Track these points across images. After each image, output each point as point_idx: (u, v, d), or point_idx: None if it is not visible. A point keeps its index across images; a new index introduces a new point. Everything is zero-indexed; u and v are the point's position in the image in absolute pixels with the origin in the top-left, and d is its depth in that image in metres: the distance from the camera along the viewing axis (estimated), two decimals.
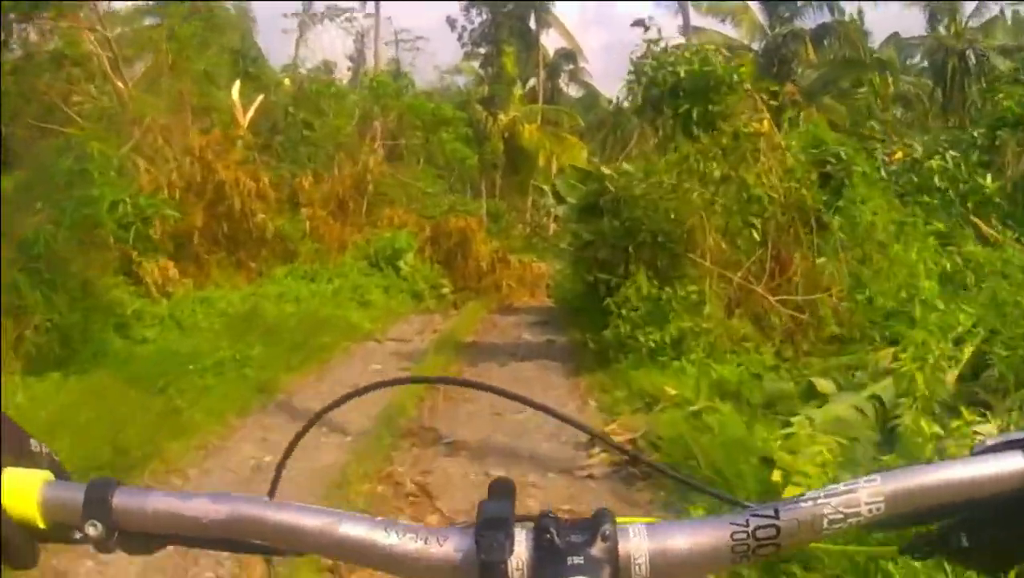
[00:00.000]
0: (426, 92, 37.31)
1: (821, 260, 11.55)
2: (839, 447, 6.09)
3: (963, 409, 6.27)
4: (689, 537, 0.76)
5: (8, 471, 0.80)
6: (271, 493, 0.87)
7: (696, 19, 40.12)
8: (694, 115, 11.65)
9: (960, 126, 24.88)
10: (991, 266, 10.95)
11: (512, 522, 0.76)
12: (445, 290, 18.26)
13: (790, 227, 11.54)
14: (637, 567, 0.75)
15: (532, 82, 50.87)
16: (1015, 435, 0.78)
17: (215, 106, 24.65)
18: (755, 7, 37.02)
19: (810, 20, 34.91)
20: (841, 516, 0.75)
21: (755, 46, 36.69)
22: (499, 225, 41.24)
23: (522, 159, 44.38)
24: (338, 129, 29.27)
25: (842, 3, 35.27)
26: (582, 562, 0.73)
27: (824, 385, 7.97)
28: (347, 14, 48.62)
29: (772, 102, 12.42)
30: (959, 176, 13.50)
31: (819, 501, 0.75)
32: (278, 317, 14.14)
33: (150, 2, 25.10)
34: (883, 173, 13.42)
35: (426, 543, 0.76)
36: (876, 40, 37.23)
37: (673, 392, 8.62)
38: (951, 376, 7.75)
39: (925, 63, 38.37)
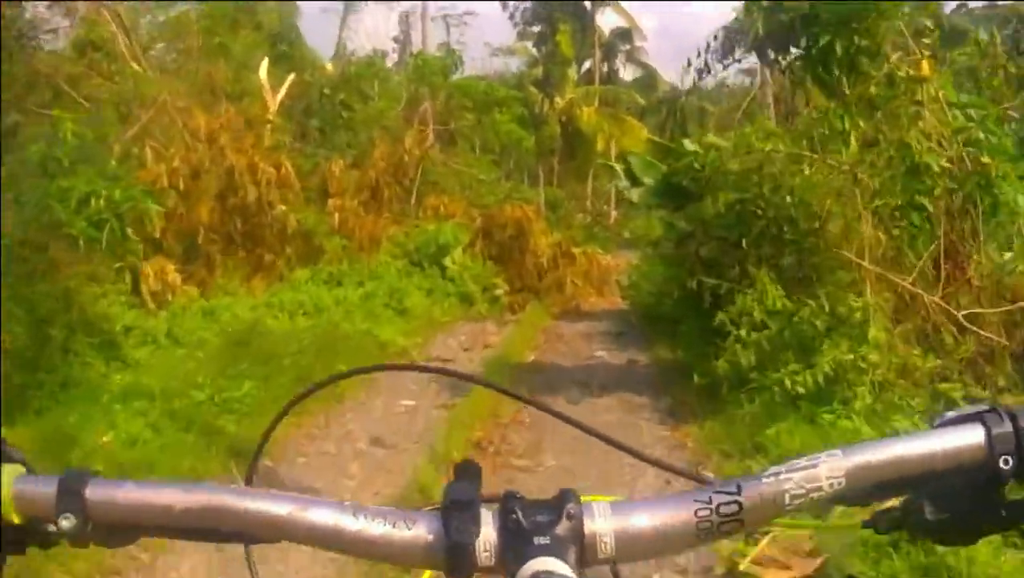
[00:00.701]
0: (477, 76, 33.90)
1: (1007, 256, 8.17)
2: None
3: None
4: (653, 515, 0.75)
5: None
6: (247, 480, 0.88)
7: None
8: (836, 50, 8.20)
9: None
10: None
11: (478, 503, 0.75)
12: (499, 292, 15.00)
13: (965, 210, 8.15)
14: (603, 545, 0.74)
15: (587, 64, 47.70)
16: (976, 408, 0.78)
17: (249, 91, 22.20)
18: None
19: None
20: (803, 491, 0.74)
21: None
22: (557, 214, 38.26)
23: (580, 143, 41.11)
24: (381, 113, 26.38)
25: None
26: (548, 542, 0.72)
27: None
28: None
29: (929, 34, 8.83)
30: None
31: (781, 476, 0.75)
32: (289, 334, 10.99)
33: None
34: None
35: (394, 526, 0.75)
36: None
37: None
38: None
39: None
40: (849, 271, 7.78)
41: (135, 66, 18.75)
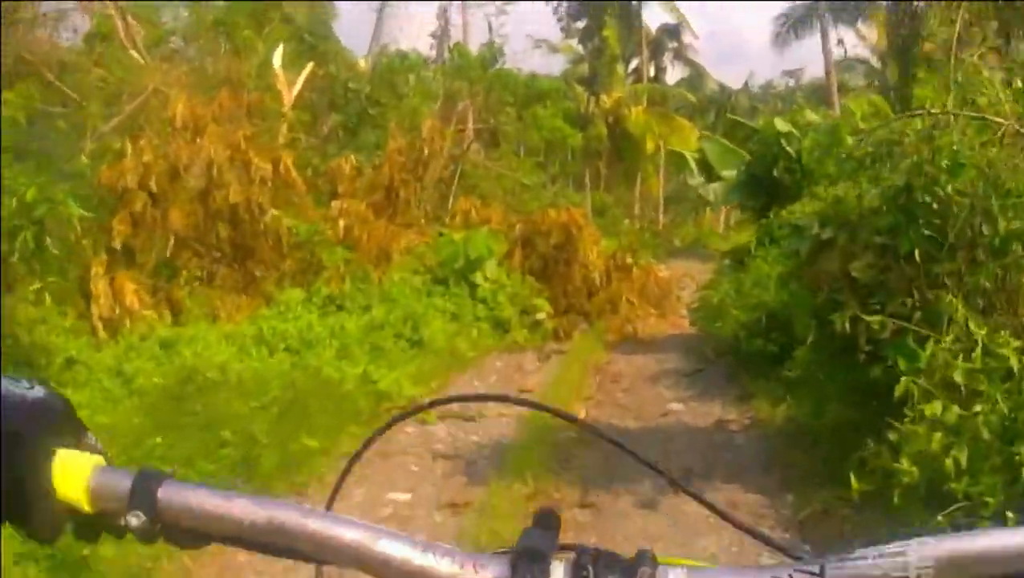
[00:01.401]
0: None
1: None
2: None
3: None
4: None
5: (62, 452, 0.76)
6: (328, 505, 0.84)
7: None
8: None
9: None
10: None
11: (550, 554, 0.71)
12: (541, 315, 11.82)
13: None
14: None
15: (633, 63, 44.58)
16: None
17: (267, 85, 19.48)
18: None
19: None
20: None
21: None
22: (605, 220, 35.17)
23: (628, 145, 37.83)
24: (415, 110, 23.46)
25: None
26: None
27: None
28: None
29: None
30: None
31: (868, 561, 0.67)
32: (255, 381, 7.91)
33: None
34: None
35: (462, 568, 0.72)
36: None
37: None
38: None
39: None
40: None
41: (135, 56, 16.41)
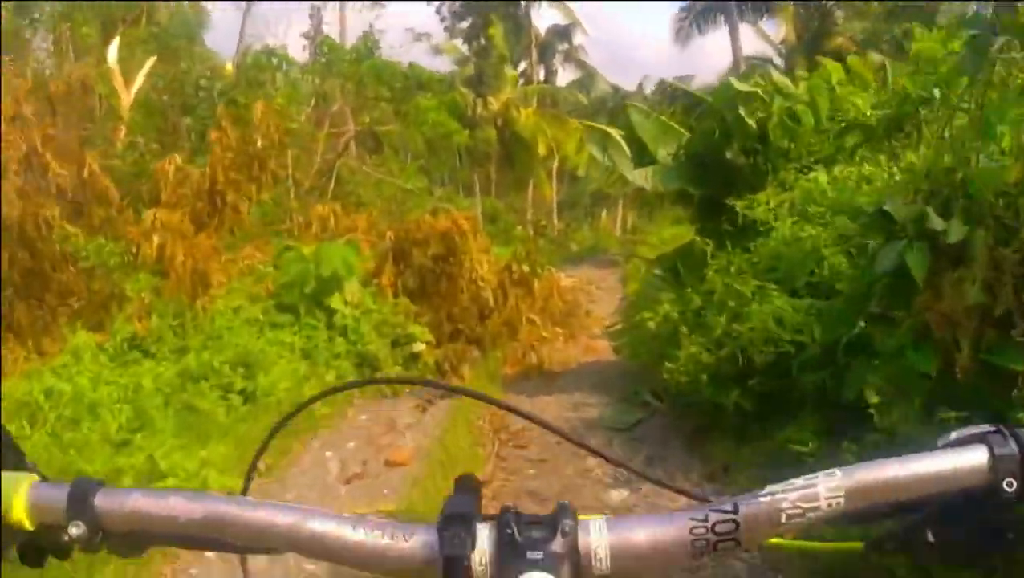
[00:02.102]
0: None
1: None
2: None
3: None
4: (649, 532, 0.72)
5: (3, 474, 0.76)
6: (244, 491, 0.85)
7: None
8: None
9: None
10: None
11: (474, 518, 0.72)
12: (419, 346, 8.98)
13: None
14: (598, 562, 0.71)
15: (522, 65, 42.10)
16: (979, 428, 0.74)
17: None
18: None
19: None
20: (799, 510, 0.71)
21: None
22: (497, 227, 32.54)
23: (519, 149, 35.22)
24: (281, 112, 20.54)
25: None
26: (541, 557, 0.69)
27: None
28: None
29: None
30: None
31: (777, 495, 0.71)
32: None
33: None
34: None
35: (392, 539, 0.73)
36: None
37: None
38: None
39: None
40: None
41: None
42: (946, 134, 4.21)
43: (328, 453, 6.71)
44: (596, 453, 0.90)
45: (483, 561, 0.71)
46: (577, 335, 11.11)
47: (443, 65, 36.30)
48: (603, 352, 10.16)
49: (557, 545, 0.70)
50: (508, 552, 0.70)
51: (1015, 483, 0.71)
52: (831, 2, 25.10)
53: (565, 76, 45.97)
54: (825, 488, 0.71)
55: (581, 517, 0.73)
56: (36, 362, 7.83)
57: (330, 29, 33.70)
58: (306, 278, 8.96)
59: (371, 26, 26.33)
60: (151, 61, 16.85)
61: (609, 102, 46.49)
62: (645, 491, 5.39)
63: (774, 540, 0.75)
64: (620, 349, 9.17)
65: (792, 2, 27.88)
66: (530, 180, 38.13)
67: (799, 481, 0.71)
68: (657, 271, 8.56)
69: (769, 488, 0.72)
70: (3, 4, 15.80)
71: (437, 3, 36.06)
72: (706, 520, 0.71)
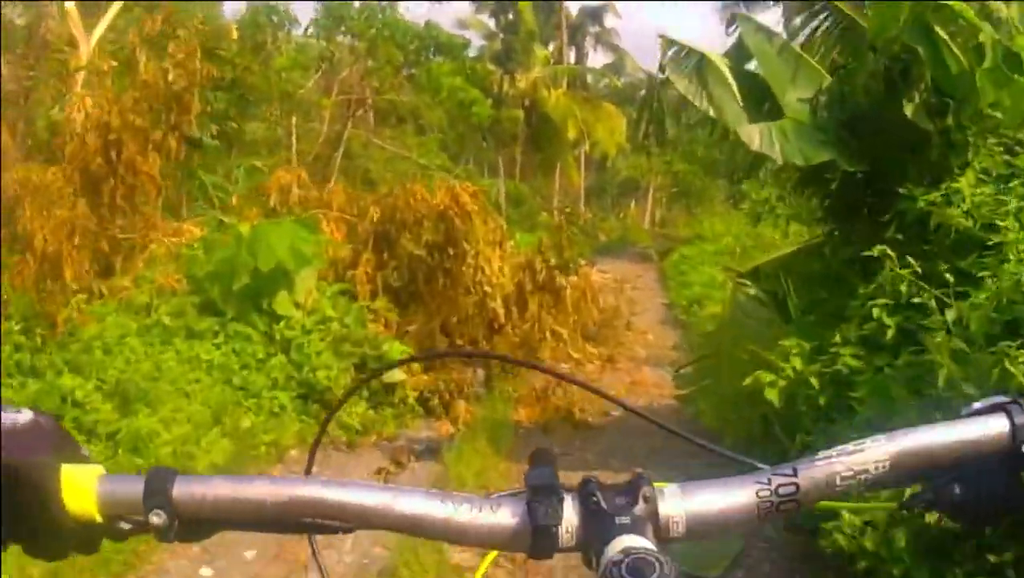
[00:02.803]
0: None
1: None
2: None
3: None
4: (719, 496, 0.74)
5: (66, 468, 0.72)
6: (307, 470, 0.85)
7: None
8: None
9: None
10: None
11: (560, 488, 0.72)
12: (397, 376, 6.09)
13: None
14: (675, 525, 0.72)
15: (551, 46, 38.94)
16: (999, 398, 0.78)
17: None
18: None
19: None
20: (852, 473, 0.74)
21: None
22: (521, 212, 29.57)
23: (547, 131, 32.11)
24: (280, 72, 17.86)
25: None
26: (628, 521, 0.70)
27: None
28: None
29: None
30: None
31: (832, 459, 0.74)
32: None
33: None
34: None
35: (481, 511, 0.72)
36: None
37: None
38: None
39: None
40: None
41: None
42: None
43: None
44: (656, 422, 0.86)
45: (569, 529, 0.70)
46: (617, 358, 8.15)
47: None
48: (654, 389, 7.18)
49: (640, 510, 0.70)
50: (595, 519, 0.70)
51: None
52: None
53: (596, 60, 43.01)
54: (873, 453, 0.73)
55: (656, 485, 0.73)
56: None
57: None
58: (236, 269, 6.00)
59: None
60: (114, 8, 13.91)
61: (642, 89, 43.46)
62: None
63: (824, 502, 0.76)
64: (690, 400, 6.05)
65: None
66: (557, 164, 35.11)
67: (850, 446, 0.74)
68: (753, 291, 5.48)
69: (823, 453, 0.74)
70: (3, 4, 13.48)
71: None
72: (770, 483, 0.73)
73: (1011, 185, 4.20)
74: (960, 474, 0.77)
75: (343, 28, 18.58)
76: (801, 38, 6.08)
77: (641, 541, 0.68)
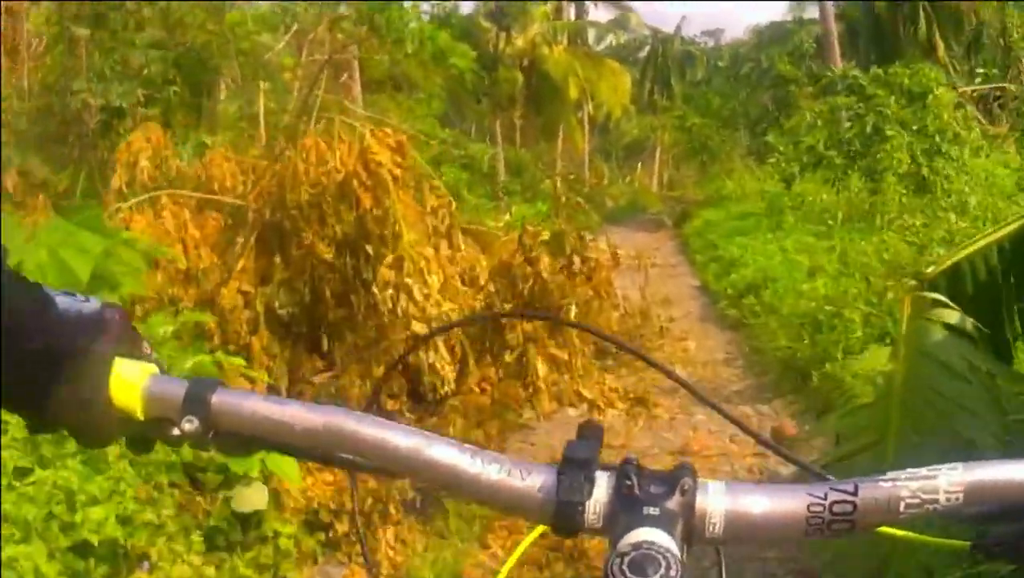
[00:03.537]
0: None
1: None
2: None
3: None
4: (766, 502, 0.67)
5: (119, 361, 0.72)
6: (369, 405, 0.80)
7: None
8: None
9: None
10: None
11: (595, 465, 0.68)
12: (257, 499, 3.24)
13: None
14: (712, 526, 0.67)
15: (548, 4, 35.68)
16: None
17: None
18: None
19: None
20: (918, 501, 0.66)
21: None
22: (523, 181, 26.57)
23: (547, 92, 28.90)
24: (232, 31, 14.80)
25: None
26: (657, 513, 0.65)
27: None
28: None
29: None
30: None
31: (899, 482, 0.66)
32: None
33: None
34: None
35: (509, 475, 0.68)
36: None
37: None
38: None
39: None
40: None
41: None
42: None
43: None
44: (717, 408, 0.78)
45: (597, 510, 0.66)
46: (649, 394, 5.21)
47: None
48: (720, 462, 4.27)
49: (674, 503, 0.65)
50: (624, 504, 0.65)
51: None
52: None
53: (597, 16, 39.89)
54: (947, 481, 0.66)
55: (701, 479, 0.67)
56: None
57: None
58: None
59: None
60: None
61: (646, 45, 40.24)
62: None
63: (884, 528, 0.69)
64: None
65: None
66: (560, 128, 32.01)
67: (922, 471, 0.66)
68: (951, 316, 2.66)
69: (891, 474, 0.67)
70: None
71: None
72: (825, 498, 0.66)
73: None
74: None
75: None
76: None
77: (661, 536, 0.63)
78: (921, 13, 17.58)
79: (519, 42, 28.85)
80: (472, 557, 3.29)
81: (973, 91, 14.23)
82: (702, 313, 8.96)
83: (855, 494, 0.66)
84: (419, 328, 3.68)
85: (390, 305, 3.76)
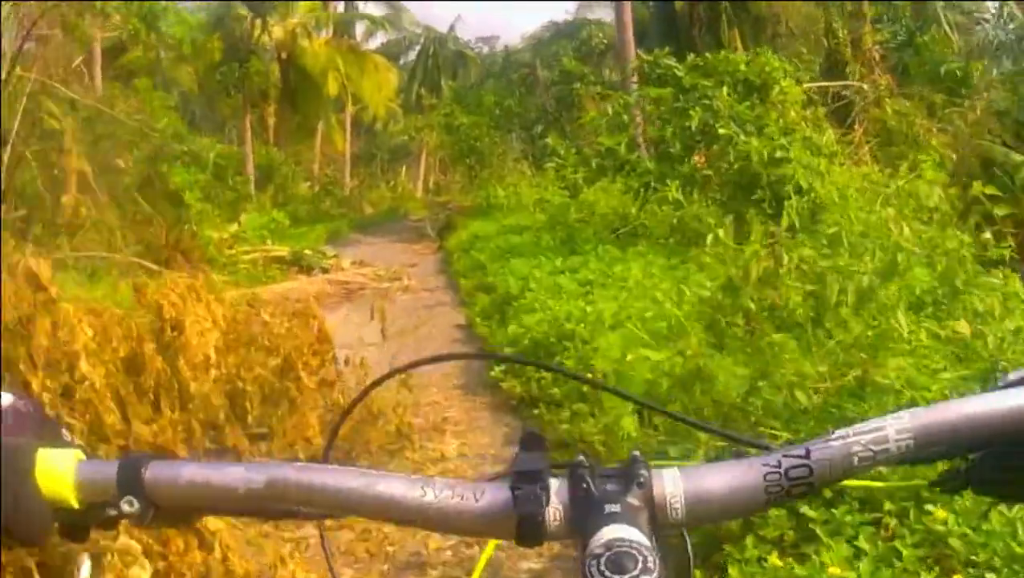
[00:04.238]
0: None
1: None
2: None
3: None
4: (722, 479, 0.67)
5: (43, 452, 0.69)
6: (324, 454, 0.79)
7: None
8: None
9: None
10: None
11: (547, 473, 0.66)
12: None
13: None
14: (673, 511, 0.66)
15: None
16: None
17: None
18: None
19: None
20: (871, 453, 0.66)
21: None
22: (275, 182, 24.08)
23: (305, 88, 26.55)
24: None
25: None
26: (619, 510, 0.64)
27: None
28: None
29: None
30: None
31: (848, 439, 0.66)
32: None
33: None
34: None
35: (463, 499, 0.67)
36: None
37: None
38: None
39: None
40: None
41: None
42: None
43: None
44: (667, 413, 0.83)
45: (558, 517, 0.65)
46: None
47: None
48: None
49: (633, 497, 0.65)
50: (584, 506, 0.65)
51: None
52: None
53: (368, 11, 37.78)
54: (894, 430, 0.66)
55: (653, 464, 0.67)
56: None
57: None
58: None
59: None
60: None
61: (417, 44, 38.36)
62: None
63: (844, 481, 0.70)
64: None
65: None
66: (318, 127, 29.64)
67: (869, 424, 0.67)
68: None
69: (839, 431, 0.67)
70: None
71: None
72: (779, 465, 0.66)
73: None
74: (997, 449, 0.68)
75: None
76: None
77: (629, 531, 0.62)
78: (723, 16, 16.41)
79: (277, 32, 26.27)
80: None
81: (820, 87, 12.68)
82: (474, 373, 6.88)
83: (807, 457, 0.65)
84: None
85: None
